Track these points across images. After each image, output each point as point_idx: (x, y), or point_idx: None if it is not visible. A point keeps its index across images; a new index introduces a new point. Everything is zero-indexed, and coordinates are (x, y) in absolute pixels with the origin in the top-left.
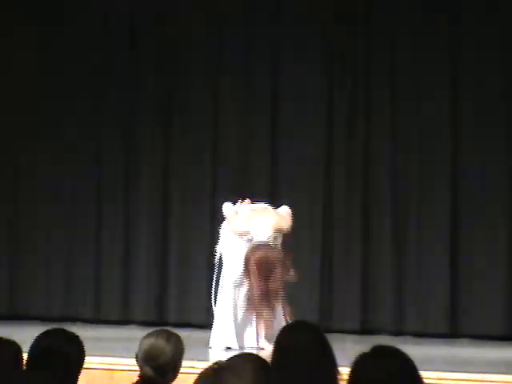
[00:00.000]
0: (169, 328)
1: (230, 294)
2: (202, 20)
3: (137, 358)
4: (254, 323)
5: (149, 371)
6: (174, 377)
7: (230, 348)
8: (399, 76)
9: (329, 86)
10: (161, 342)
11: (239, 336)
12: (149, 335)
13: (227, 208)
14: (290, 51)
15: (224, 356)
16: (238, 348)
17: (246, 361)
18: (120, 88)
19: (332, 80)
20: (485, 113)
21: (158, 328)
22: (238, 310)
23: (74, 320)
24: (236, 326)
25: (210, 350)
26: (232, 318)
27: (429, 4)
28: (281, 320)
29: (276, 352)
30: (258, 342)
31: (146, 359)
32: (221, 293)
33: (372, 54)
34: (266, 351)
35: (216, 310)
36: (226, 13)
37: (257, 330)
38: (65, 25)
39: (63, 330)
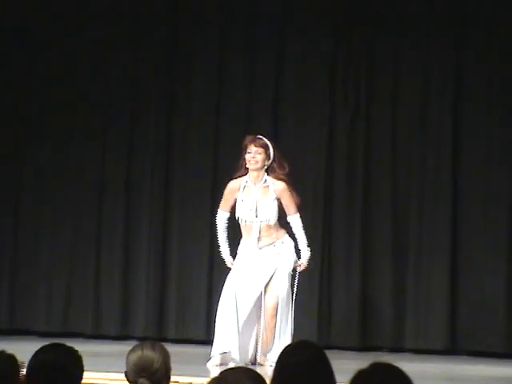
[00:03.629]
0: (168, 344)
1: (232, 299)
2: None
3: (126, 375)
4: (253, 334)
5: (144, 381)
6: (168, 383)
7: (225, 353)
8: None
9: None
10: (148, 352)
11: (240, 345)
12: (133, 350)
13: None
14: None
15: (221, 368)
16: (237, 357)
17: (242, 376)
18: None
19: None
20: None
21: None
22: (240, 317)
23: (73, 336)
24: (238, 332)
25: (209, 362)
26: (235, 323)
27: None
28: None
29: (277, 370)
30: (256, 356)
31: (139, 371)
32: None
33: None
34: (264, 367)
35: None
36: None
37: (257, 344)
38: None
39: (61, 345)
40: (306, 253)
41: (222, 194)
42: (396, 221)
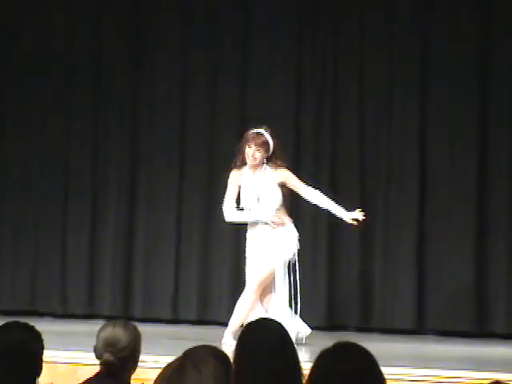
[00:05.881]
0: (135, 323)
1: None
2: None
3: (95, 349)
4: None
5: (109, 356)
6: (134, 367)
7: None
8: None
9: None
10: (119, 330)
11: None
12: (106, 325)
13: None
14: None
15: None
16: None
17: (207, 354)
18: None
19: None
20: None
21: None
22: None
23: (40, 315)
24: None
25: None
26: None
27: None
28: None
29: (237, 349)
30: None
31: (106, 346)
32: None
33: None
34: (229, 346)
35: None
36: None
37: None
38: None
39: (18, 322)
40: (340, 210)
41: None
42: (362, 202)
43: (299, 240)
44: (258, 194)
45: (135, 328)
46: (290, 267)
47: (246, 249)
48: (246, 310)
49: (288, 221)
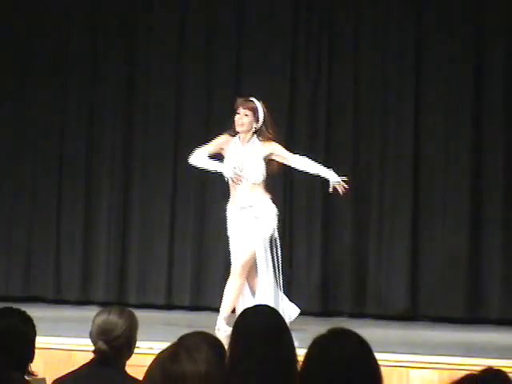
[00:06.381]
0: (130, 309)
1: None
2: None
3: (91, 335)
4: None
5: (102, 345)
6: (130, 354)
7: None
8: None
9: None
10: (113, 317)
11: None
12: (101, 312)
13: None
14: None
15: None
16: None
17: (201, 341)
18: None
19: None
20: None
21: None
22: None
23: (34, 300)
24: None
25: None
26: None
27: None
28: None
29: (232, 335)
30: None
31: (99, 334)
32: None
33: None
34: (222, 332)
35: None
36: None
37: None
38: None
39: (10, 308)
40: (329, 173)
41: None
42: (357, 188)
43: (278, 216)
44: (241, 164)
45: (131, 315)
46: (273, 243)
47: (228, 227)
48: (234, 294)
49: (266, 197)
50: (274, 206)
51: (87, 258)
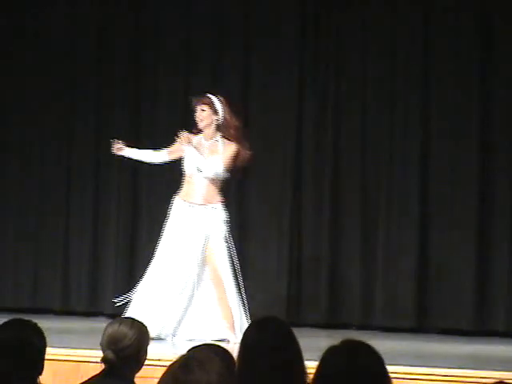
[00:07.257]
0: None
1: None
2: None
3: (101, 344)
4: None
5: (110, 354)
6: (138, 366)
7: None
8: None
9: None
10: (124, 328)
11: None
12: (113, 322)
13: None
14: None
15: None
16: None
17: (211, 352)
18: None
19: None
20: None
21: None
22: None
23: (42, 312)
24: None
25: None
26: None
27: None
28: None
29: (241, 347)
30: (220, 332)
31: (109, 343)
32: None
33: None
34: (232, 343)
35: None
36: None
37: (220, 319)
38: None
39: (21, 320)
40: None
41: None
42: (365, 197)
43: (228, 222)
44: (199, 163)
45: (142, 327)
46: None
47: (168, 220)
48: (226, 301)
49: (218, 199)
50: (224, 211)
51: (96, 269)
